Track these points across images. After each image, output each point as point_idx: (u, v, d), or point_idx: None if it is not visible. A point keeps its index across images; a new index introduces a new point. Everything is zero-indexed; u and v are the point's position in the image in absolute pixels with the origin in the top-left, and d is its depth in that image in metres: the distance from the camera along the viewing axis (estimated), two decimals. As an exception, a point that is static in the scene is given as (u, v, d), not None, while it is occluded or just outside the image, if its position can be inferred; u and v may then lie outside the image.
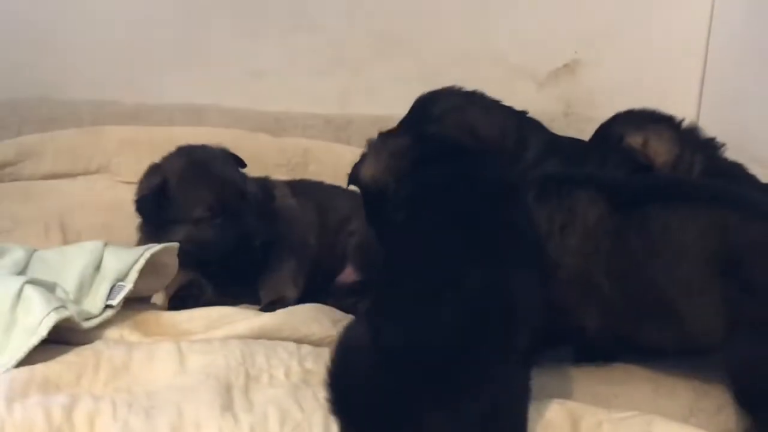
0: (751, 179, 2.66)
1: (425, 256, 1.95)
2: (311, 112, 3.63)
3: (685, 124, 2.68)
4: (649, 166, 2.54)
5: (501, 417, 1.80)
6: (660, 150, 2.56)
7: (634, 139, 2.59)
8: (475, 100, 2.84)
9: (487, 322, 1.81)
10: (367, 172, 2.30)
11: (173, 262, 2.40)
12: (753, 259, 2.07)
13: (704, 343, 2.13)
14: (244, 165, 2.72)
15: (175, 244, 2.39)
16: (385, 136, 2.36)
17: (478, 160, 2.25)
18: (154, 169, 2.63)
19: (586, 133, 3.50)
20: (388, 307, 1.87)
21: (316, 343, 2.26)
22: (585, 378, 2.24)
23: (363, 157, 2.34)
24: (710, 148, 2.65)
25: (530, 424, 1.93)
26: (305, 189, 2.88)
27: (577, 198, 2.23)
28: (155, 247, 2.34)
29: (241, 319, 2.29)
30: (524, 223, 2.13)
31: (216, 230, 2.55)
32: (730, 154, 3.40)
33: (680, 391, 2.21)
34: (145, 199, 2.57)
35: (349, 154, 3.20)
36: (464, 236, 1.97)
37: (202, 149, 2.68)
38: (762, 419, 2.07)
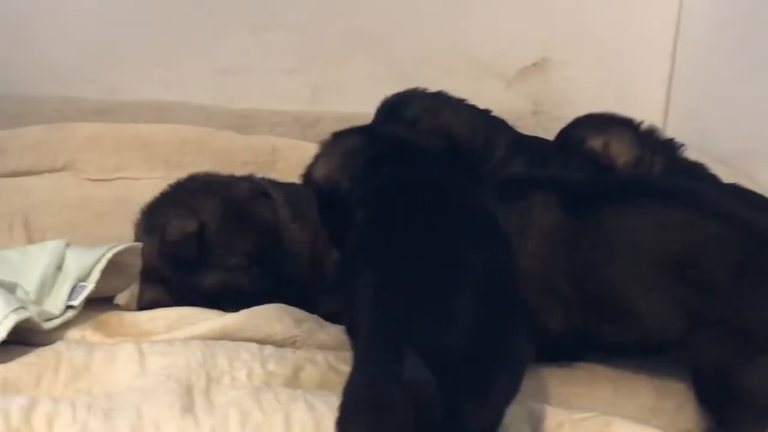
0: (712, 178, 2.69)
1: (413, 257, 1.88)
2: (280, 110, 3.61)
3: (644, 126, 2.70)
4: (610, 167, 2.56)
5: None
6: (620, 152, 2.59)
7: (596, 142, 2.61)
8: (444, 100, 2.85)
9: (506, 302, 1.82)
10: (319, 171, 2.29)
11: (137, 263, 2.39)
12: (710, 258, 2.08)
13: (663, 341, 2.15)
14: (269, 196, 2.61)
15: (139, 244, 2.38)
16: (338, 135, 2.35)
17: (437, 159, 2.24)
18: (186, 211, 2.50)
19: (553, 132, 3.50)
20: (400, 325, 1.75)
21: (279, 344, 2.25)
22: (547, 378, 2.24)
23: (316, 157, 2.33)
24: (670, 148, 2.69)
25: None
26: (299, 200, 2.68)
27: (534, 202, 2.25)
28: (118, 247, 2.33)
29: (203, 319, 2.28)
30: (491, 219, 2.10)
31: (253, 279, 2.47)
32: (697, 153, 3.42)
33: (641, 392, 2.22)
34: (183, 249, 2.44)
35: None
36: (441, 229, 1.94)
37: (229, 185, 2.58)
38: (722, 418, 2.08)
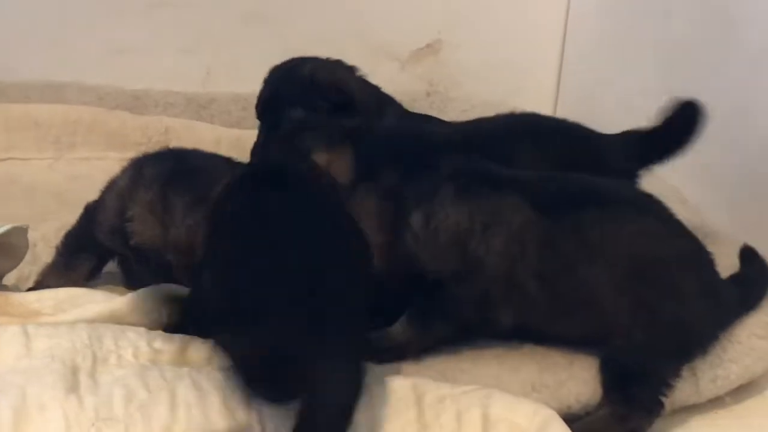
0: None
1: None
2: (173, 90, 3.59)
3: None
4: None
5: None
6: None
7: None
8: (340, 62, 2.90)
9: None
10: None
11: (23, 243, 2.36)
12: (680, 270, 2.23)
13: (612, 336, 2.22)
14: None
15: (26, 225, 2.35)
16: None
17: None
18: None
19: (446, 113, 3.58)
20: None
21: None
22: (432, 355, 2.28)
23: None
24: None
25: (375, 400, 1.98)
26: None
27: (502, 201, 2.26)
28: (4, 227, 2.30)
29: (92, 301, 2.26)
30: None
31: None
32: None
33: (524, 367, 2.26)
34: None
35: (210, 133, 3.20)
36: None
37: None
38: (627, 400, 2.19)
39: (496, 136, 2.66)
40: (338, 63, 2.89)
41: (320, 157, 2.54)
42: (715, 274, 2.33)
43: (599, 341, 2.25)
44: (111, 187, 2.47)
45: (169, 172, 2.42)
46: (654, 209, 2.33)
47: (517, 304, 2.24)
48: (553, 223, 2.23)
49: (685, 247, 2.30)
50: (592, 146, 2.70)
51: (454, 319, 2.25)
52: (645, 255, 2.22)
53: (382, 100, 2.92)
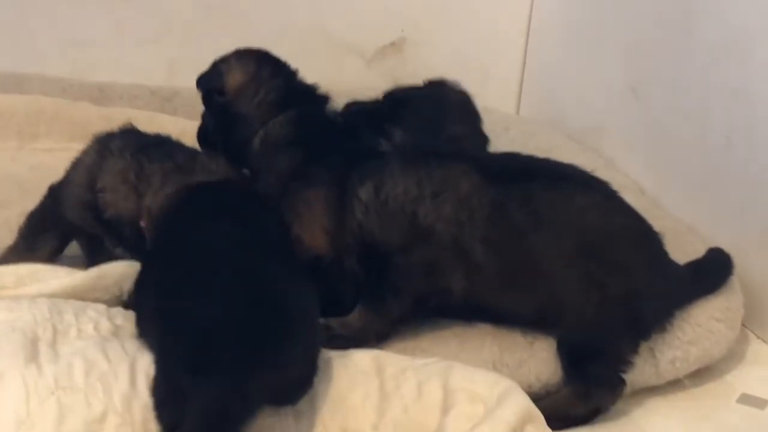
0: None
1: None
2: (137, 83, 3.57)
3: None
4: None
5: None
6: None
7: None
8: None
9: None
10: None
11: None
12: (623, 243, 2.26)
13: (565, 314, 2.25)
14: None
15: None
16: None
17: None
18: None
19: (410, 109, 3.58)
20: None
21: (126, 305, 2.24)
22: (392, 335, 2.30)
23: None
24: None
25: (337, 371, 2.00)
26: None
27: (449, 168, 2.29)
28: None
29: (54, 277, 2.25)
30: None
31: None
32: (550, 129, 3.56)
33: (485, 347, 2.30)
34: None
35: (173, 125, 3.19)
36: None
37: None
38: (587, 377, 2.23)
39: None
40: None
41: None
42: (663, 251, 2.36)
43: (553, 320, 2.27)
44: (76, 164, 2.48)
45: (138, 143, 2.43)
46: (601, 188, 2.36)
47: (465, 272, 2.25)
48: (502, 190, 2.26)
49: (631, 223, 2.33)
50: None
51: (406, 292, 2.27)
52: (592, 228, 2.25)
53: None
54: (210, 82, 2.60)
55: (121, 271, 2.30)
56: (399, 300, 2.27)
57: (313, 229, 2.29)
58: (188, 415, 1.72)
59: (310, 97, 2.61)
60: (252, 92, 2.55)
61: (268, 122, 2.50)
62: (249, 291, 1.87)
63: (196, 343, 1.78)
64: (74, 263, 2.49)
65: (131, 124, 2.53)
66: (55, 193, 2.50)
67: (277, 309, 1.87)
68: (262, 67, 2.60)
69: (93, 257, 2.50)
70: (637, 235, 2.32)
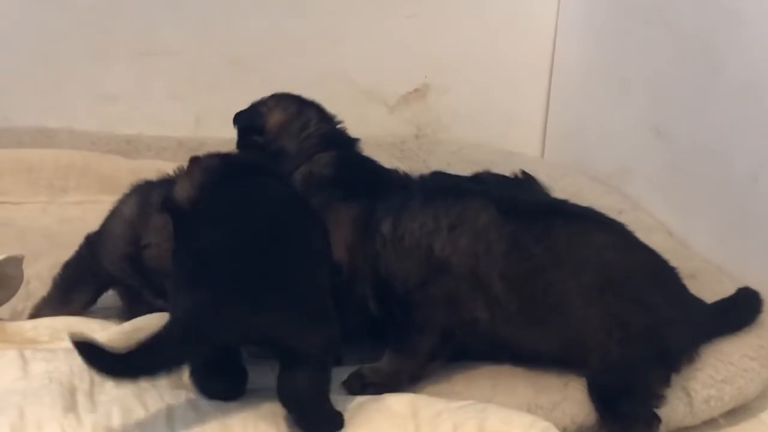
0: None
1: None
2: (164, 135, 3.61)
3: None
4: None
5: None
6: None
7: None
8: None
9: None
10: (182, 192, 2.30)
11: (18, 274, 2.38)
12: (643, 281, 2.27)
13: (577, 353, 2.26)
14: None
15: (21, 255, 2.36)
16: (196, 158, 2.40)
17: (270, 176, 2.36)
18: None
19: (436, 155, 3.62)
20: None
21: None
22: (426, 381, 2.29)
23: (176, 181, 2.35)
24: None
25: (373, 414, 2.01)
26: None
27: (467, 203, 2.31)
28: (-1, 257, 2.33)
29: (88, 330, 2.26)
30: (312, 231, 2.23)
31: None
32: (575, 172, 3.56)
33: (519, 389, 2.28)
34: None
35: (203, 175, 3.20)
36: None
37: None
38: (618, 417, 2.22)
39: None
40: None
41: None
42: (681, 284, 2.35)
43: (579, 359, 2.26)
44: (115, 215, 2.48)
45: None
46: (617, 228, 2.36)
47: (486, 304, 2.25)
48: (520, 226, 2.27)
49: (648, 259, 2.33)
50: None
51: (430, 328, 2.27)
52: (611, 265, 2.25)
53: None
54: (250, 120, 2.70)
55: (156, 324, 2.30)
56: (425, 337, 2.27)
57: (336, 238, 2.31)
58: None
59: (346, 139, 2.79)
60: (295, 130, 2.72)
61: (313, 157, 2.66)
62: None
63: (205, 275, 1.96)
64: (108, 315, 2.52)
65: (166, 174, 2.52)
66: (92, 243, 2.50)
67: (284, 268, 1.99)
68: (304, 108, 2.78)
69: (132, 308, 2.50)
70: (655, 270, 2.32)
